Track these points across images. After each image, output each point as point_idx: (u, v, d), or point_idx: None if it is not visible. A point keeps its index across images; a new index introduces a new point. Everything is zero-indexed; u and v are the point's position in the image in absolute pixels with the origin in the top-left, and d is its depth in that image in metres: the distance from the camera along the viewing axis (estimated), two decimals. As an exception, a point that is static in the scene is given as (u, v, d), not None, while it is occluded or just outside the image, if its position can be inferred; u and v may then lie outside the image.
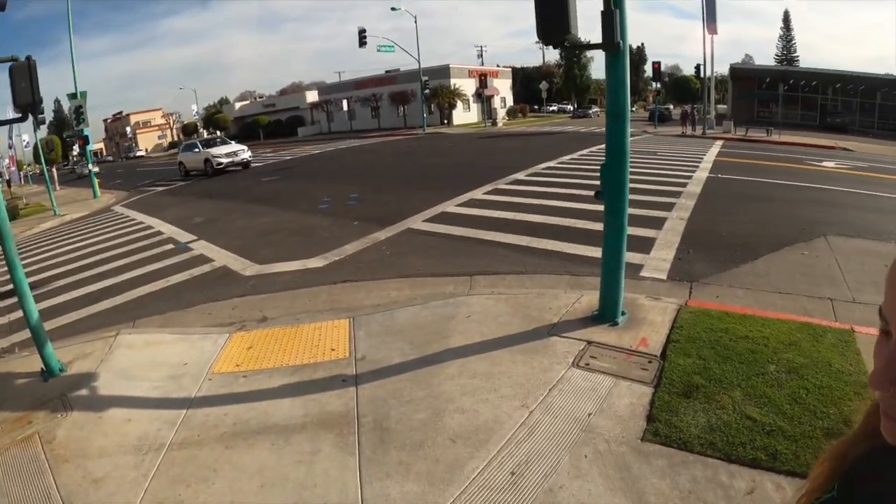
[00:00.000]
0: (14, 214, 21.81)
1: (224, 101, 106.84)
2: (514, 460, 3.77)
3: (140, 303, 8.77)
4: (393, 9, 48.24)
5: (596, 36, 5.26)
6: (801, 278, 7.31)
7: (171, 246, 12.46)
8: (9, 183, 38.94)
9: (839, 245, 8.66)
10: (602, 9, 5.00)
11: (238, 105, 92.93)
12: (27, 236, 18.70)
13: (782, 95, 49.99)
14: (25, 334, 7.66)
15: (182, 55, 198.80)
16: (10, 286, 6.71)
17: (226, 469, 4.12)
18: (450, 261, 8.79)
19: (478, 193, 13.85)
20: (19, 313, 7.59)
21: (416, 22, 49.69)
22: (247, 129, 75.87)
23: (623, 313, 5.78)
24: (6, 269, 6.52)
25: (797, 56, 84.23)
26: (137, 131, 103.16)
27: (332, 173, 22.31)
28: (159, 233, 14.34)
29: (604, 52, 5.29)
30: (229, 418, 4.76)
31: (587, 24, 5.46)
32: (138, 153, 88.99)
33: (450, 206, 12.63)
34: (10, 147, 44.15)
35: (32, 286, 6.73)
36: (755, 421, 3.92)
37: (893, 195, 13.31)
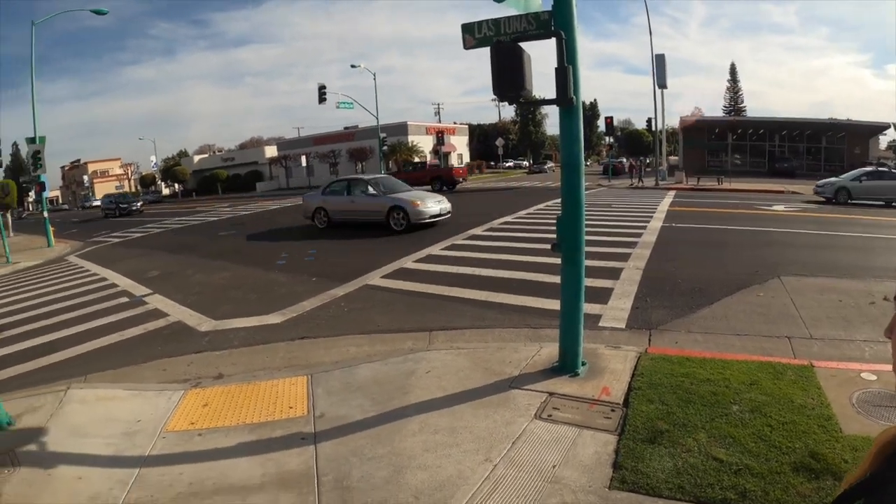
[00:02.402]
0: (-37, 264, 21.17)
1: (183, 154, 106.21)
2: (479, 516, 3.71)
3: (92, 356, 8.51)
4: (353, 66, 49.26)
5: (550, 92, 5.45)
6: (759, 319, 7.53)
7: (125, 299, 12.17)
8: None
9: (793, 284, 8.98)
10: (556, 66, 5.18)
11: (197, 158, 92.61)
12: (-26, 286, 18.10)
13: (731, 144, 52.13)
14: None
15: (143, 105, 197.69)
16: None
17: (181, 533, 3.97)
18: (409, 316, 8.76)
19: (435, 249, 13.93)
20: None
21: (374, 79, 50.55)
22: (205, 183, 75.44)
23: (583, 363, 5.82)
24: None
25: (744, 106, 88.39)
26: (95, 180, 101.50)
27: (288, 230, 22.20)
28: (114, 285, 14.01)
29: (558, 108, 5.46)
30: (185, 478, 4.60)
31: (541, 81, 5.65)
32: (94, 203, 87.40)
33: (408, 262, 12.66)
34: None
35: None
36: (722, 462, 3.96)
37: (843, 233, 13.80)
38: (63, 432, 5.84)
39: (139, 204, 51.80)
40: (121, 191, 72.89)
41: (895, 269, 10.04)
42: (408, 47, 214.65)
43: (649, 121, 40.55)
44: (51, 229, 28.68)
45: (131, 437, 5.50)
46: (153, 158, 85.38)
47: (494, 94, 5.44)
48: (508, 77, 5.18)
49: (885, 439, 1.03)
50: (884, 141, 58.98)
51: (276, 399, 5.91)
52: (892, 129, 50.49)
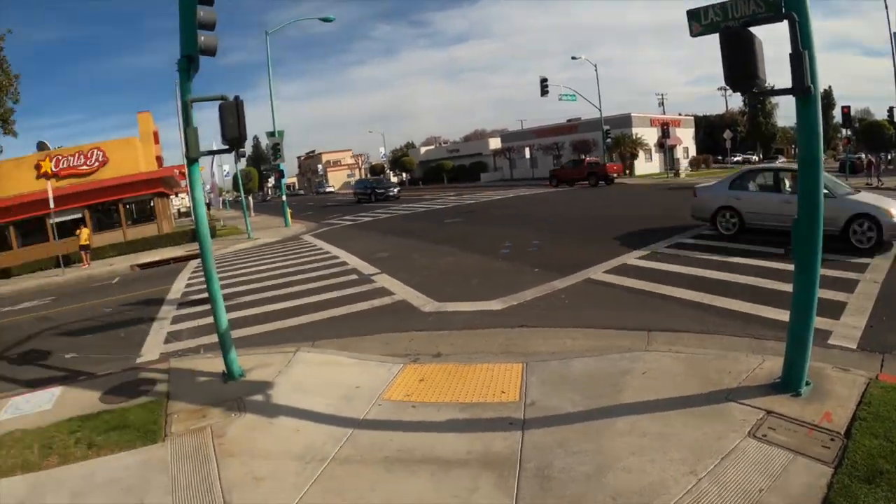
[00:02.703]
0: (212, 234, 24.17)
1: (410, 146, 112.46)
2: (675, 529, 3.65)
3: (321, 325, 9.47)
4: (573, 57, 48.78)
5: (780, 81, 5.11)
6: None
7: (355, 276, 13.28)
8: (208, 206, 43.40)
9: None
10: (790, 51, 4.81)
11: (423, 149, 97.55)
12: (223, 254, 20.84)
13: None
14: (212, 339, 8.55)
15: (370, 101, 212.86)
16: (206, 294, 7.57)
17: (382, 491, 4.33)
18: (628, 314, 8.63)
19: (660, 246, 13.49)
20: (209, 319, 8.52)
21: (596, 70, 49.75)
22: (431, 173, 79.27)
23: (807, 383, 5.41)
24: (204, 279, 7.35)
25: None
26: (328, 169, 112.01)
27: (513, 219, 22.59)
28: (344, 263, 15.32)
29: (794, 98, 5.07)
30: (394, 444, 4.99)
31: (771, 67, 5.29)
32: (328, 189, 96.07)
33: (630, 259, 12.39)
34: (212, 175, 49.26)
35: (224, 298, 7.47)
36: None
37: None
38: (287, 388, 6.60)
39: (396, 189, 48.59)
40: (375, 177, 76.01)
41: None
42: (628, 36, 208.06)
43: (891, 110, 35.94)
44: (288, 211, 31.81)
45: (349, 401, 6.06)
46: (382, 150, 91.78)
47: (726, 83, 5.17)
48: (740, 65, 4.87)
49: None
50: None
51: (490, 382, 6.15)
52: None
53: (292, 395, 6.38)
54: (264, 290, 12.81)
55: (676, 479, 4.12)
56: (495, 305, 9.61)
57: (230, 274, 15.33)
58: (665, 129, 51.26)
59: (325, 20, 34.85)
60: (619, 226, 17.34)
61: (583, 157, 50.10)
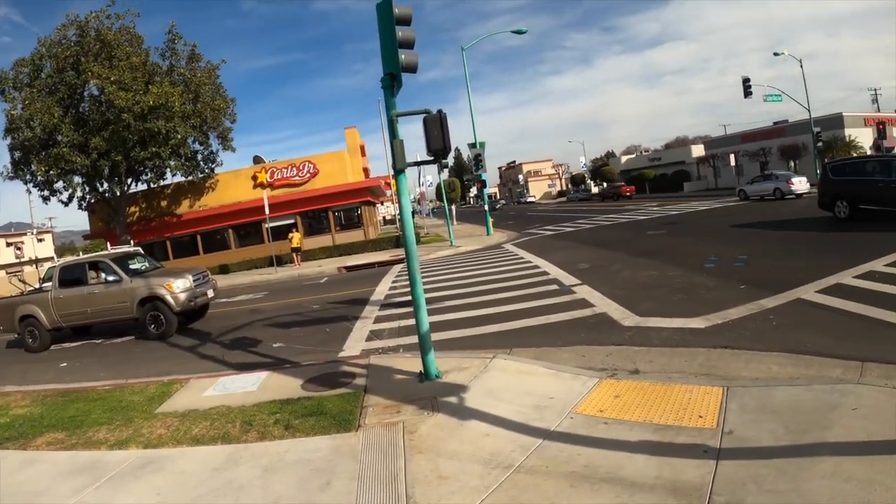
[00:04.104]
0: (416, 241, 25.49)
1: (610, 155, 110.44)
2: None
3: (519, 333, 9.68)
4: (775, 53, 45.27)
5: None
6: None
7: (555, 287, 13.38)
8: (416, 213, 45.56)
9: None
10: None
11: (624, 158, 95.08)
12: (425, 260, 21.92)
13: None
14: (411, 340, 9.03)
15: (568, 110, 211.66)
16: (409, 298, 8.07)
17: (564, 504, 4.32)
18: (841, 340, 7.82)
19: (878, 265, 12.01)
20: (410, 321, 9.07)
21: (801, 66, 45.64)
22: (633, 182, 76.91)
23: None
24: (408, 282, 7.84)
25: None
26: (529, 179, 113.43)
27: (719, 231, 21.48)
28: (545, 273, 15.47)
29: None
30: (581, 459, 4.99)
31: None
32: (529, 199, 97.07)
33: (846, 278, 11.22)
34: (419, 184, 51.49)
35: (426, 302, 7.89)
36: None
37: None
38: (481, 393, 6.83)
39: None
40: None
41: None
42: (832, 25, 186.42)
43: None
44: (490, 220, 32.58)
45: (541, 411, 6.15)
46: (582, 159, 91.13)
47: None
48: None
49: None
50: None
51: (687, 405, 5.96)
52: None
53: (485, 400, 6.60)
54: (465, 296, 13.31)
55: (876, 533, 3.72)
56: (698, 323, 9.23)
57: (432, 279, 16.07)
58: (881, 128, 45.72)
59: (518, 32, 35.47)
60: (830, 239, 15.89)
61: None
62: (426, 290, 12.91)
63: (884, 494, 4.17)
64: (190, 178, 35.75)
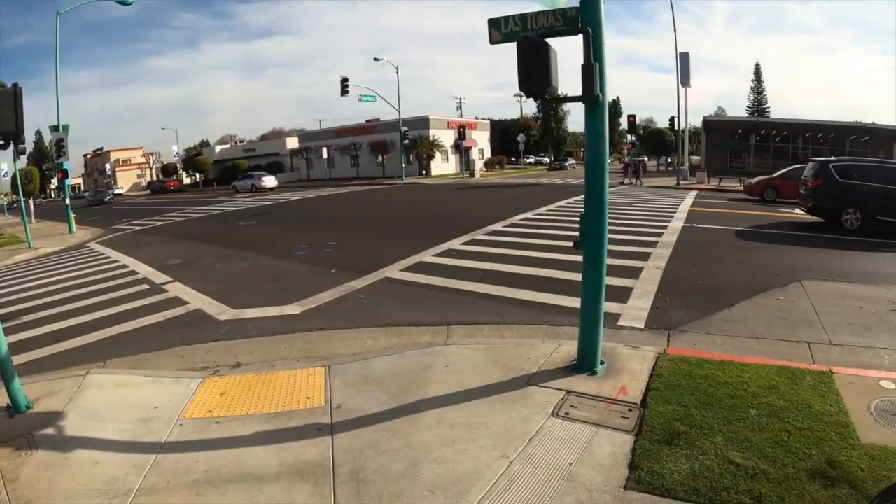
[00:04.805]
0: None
1: (205, 144, 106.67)
2: (494, 512, 3.69)
3: (112, 342, 8.58)
4: (375, 59, 49.80)
5: (574, 89, 5.45)
6: (778, 323, 7.43)
7: (145, 286, 12.27)
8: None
9: (814, 289, 8.86)
10: (583, 62, 5.15)
11: (218, 148, 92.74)
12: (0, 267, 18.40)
13: (754, 145, 51.69)
14: None
15: (166, 95, 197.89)
16: None
17: (196, 519, 3.97)
18: (427, 310, 8.73)
19: (455, 244, 13.88)
20: None
21: (397, 73, 51.09)
22: (226, 173, 75.57)
23: (602, 362, 5.79)
24: None
25: (768, 107, 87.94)
26: (117, 168, 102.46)
27: (309, 220, 22.28)
28: (134, 272, 14.13)
29: (583, 105, 5.43)
30: (201, 465, 4.63)
31: (565, 77, 5.62)
32: (116, 191, 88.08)
33: (427, 256, 12.62)
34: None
35: (2, 319, 6.67)
36: (738, 465, 3.94)
37: (866, 238, 13.58)
38: (81, 417, 5.89)
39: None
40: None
41: None
42: (431, 40, 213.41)
43: (672, 119, 40.49)
44: (73, 216, 29.02)
45: (148, 424, 5.53)
46: (175, 148, 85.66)
47: (521, 90, 5.43)
48: (535, 73, 5.18)
49: None
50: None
51: (294, 389, 5.93)
52: None
53: (87, 424, 5.68)
54: (47, 306, 11.38)
55: (489, 465, 4.20)
56: (293, 309, 9.33)
57: (6, 290, 13.55)
58: (462, 131, 53.31)
59: (122, 3, 31.84)
60: (413, 225, 17.69)
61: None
62: (3, 305, 11.02)
63: (485, 431, 4.68)
64: None
